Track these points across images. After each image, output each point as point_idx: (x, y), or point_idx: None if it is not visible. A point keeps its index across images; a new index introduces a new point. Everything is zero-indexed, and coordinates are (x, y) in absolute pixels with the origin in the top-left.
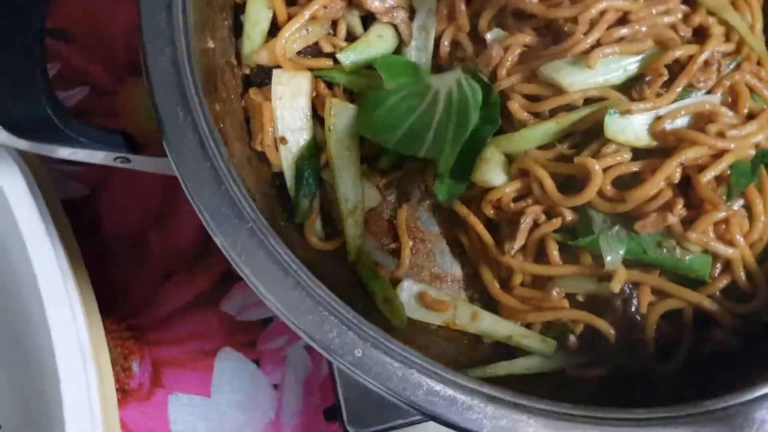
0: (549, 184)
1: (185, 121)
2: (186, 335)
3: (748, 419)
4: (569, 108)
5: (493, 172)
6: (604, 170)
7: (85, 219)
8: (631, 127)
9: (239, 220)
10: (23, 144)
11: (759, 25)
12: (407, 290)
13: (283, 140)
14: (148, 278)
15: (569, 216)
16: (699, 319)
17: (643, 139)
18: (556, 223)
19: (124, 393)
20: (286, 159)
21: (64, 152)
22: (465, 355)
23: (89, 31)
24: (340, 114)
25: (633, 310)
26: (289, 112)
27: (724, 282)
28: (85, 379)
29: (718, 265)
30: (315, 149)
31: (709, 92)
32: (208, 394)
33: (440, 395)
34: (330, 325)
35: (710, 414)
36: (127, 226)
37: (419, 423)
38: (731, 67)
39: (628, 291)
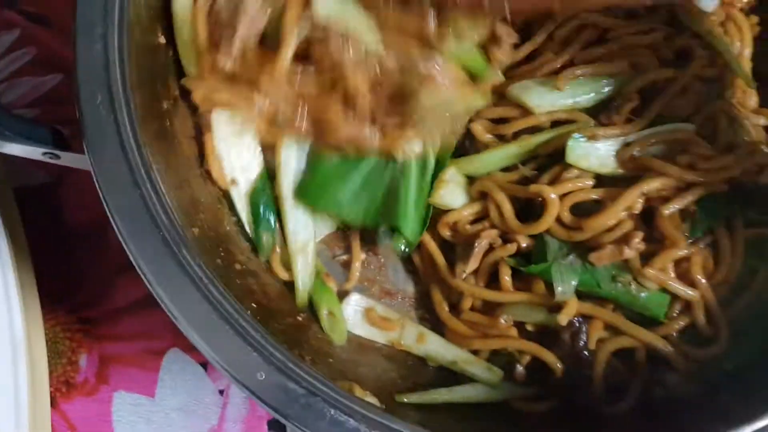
0: (507, 209)
1: (106, 121)
2: (135, 332)
3: None
4: (534, 130)
5: (452, 194)
6: (563, 196)
7: (45, 207)
8: (596, 152)
9: (154, 227)
10: None
11: (747, 52)
12: (354, 304)
13: (233, 182)
14: (104, 271)
15: (524, 242)
16: (652, 361)
17: (609, 166)
18: (511, 248)
19: (69, 386)
20: (239, 198)
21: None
22: (407, 378)
23: (67, 15)
24: (291, 157)
25: (582, 345)
26: (235, 150)
27: (681, 323)
28: (14, 377)
29: (677, 305)
30: (268, 178)
31: (686, 119)
32: (153, 395)
33: (344, 426)
34: (235, 345)
35: None
36: (87, 216)
37: None
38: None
39: (577, 325)
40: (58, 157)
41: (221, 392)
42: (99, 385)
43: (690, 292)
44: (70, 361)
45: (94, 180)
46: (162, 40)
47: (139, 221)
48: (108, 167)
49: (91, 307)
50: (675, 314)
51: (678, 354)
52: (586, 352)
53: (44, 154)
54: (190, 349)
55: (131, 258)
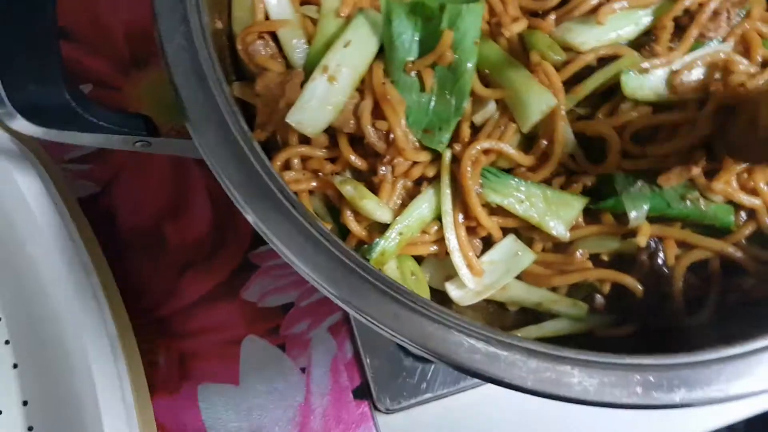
0: (576, 152)
1: (205, 97)
2: (209, 326)
3: None
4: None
5: None
6: (622, 129)
7: (97, 216)
8: (648, 83)
9: (267, 195)
10: (43, 132)
11: None
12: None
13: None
14: (167, 271)
15: (590, 181)
16: (726, 270)
17: (661, 94)
18: (578, 188)
19: (152, 387)
20: None
21: (83, 138)
22: (492, 323)
23: (89, 28)
24: None
25: (660, 263)
26: None
27: (749, 229)
28: (117, 375)
29: (743, 214)
30: None
31: (721, 42)
32: (237, 383)
33: (482, 352)
34: (367, 290)
35: (750, 354)
36: (140, 219)
37: (446, 397)
38: (741, 15)
39: (653, 245)
40: (149, 144)
41: (303, 370)
42: (181, 382)
43: (755, 201)
44: (150, 362)
45: (205, 158)
46: (219, 25)
47: (254, 189)
48: (214, 144)
49: (161, 308)
50: (741, 223)
51: (749, 257)
52: (665, 269)
53: (136, 143)
54: (265, 333)
55: (254, 226)
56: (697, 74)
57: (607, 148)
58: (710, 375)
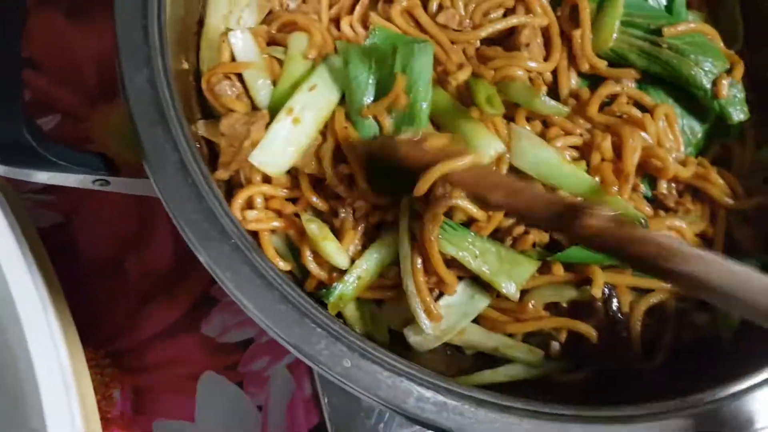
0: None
1: (164, 139)
2: (167, 360)
3: (738, 411)
4: None
5: None
6: None
7: (59, 246)
8: None
9: (222, 236)
10: (2, 170)
11: None
12: None
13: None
14: (126, 303)
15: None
16: (679, 310)
17: None
18: (530, 240)
19: (106, 421)
20: None
21: (43, 176)
22: (448, 366)
23: (58, 58)
24: None
25: (615, 309)
26: None
27: None
28: (68, 407)
29: None
30: None
31: None
32: (192, 419)
33: (431, 401)
34: (317, 336)
35: (699, 408)
36: (103, 251)
37: None
38: None
39: (607, 292)
40: (107, 183)
41: (260, 408)
42: (136, 416)
43: None
44: (104, 396)
45: (161, 198)
46: (185, 65)
47: (209, 230)
48: (172, 184)
49: (118, 340)
50: None
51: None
52: (620, 315)
53: (95, 181)
54: (224, 369)
55: (208, 269)
56: None
57: None
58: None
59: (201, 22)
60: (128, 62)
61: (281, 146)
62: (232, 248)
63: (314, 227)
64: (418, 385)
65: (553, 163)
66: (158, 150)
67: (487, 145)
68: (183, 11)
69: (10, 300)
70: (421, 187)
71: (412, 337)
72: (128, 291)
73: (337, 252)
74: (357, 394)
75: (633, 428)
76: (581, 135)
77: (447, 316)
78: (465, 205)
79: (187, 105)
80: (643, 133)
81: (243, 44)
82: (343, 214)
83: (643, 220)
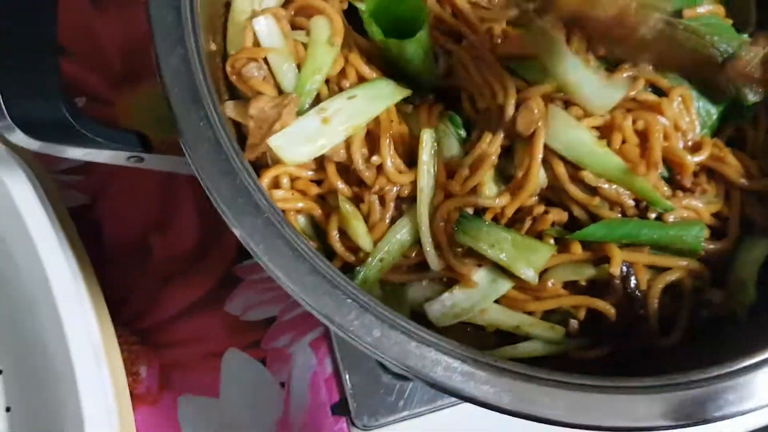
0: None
1: (199, 117)
2: (191, 337)
3: (751, 384)
4: None
5: None
6: None
7: (85, 227)
8: None
9: (256, 211)
10: (40, 146)
11: None
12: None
13: None
14: (151, 282)
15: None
16: (696, 288)
17: None
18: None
19: (133, 397)
20: None
21: (78, 153)
22: (471, 343)
23: (84, 44)
24: None
25: (632, 287)
26: None
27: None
28: (101, 382)
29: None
30: None
31: None
32: (217, 395)
33: (458, 371)
34: (348, 307)
35: (717, 379)
36: (128, 231)
37: (424, 415)
38: None
39: (625, 270)
40: (142, 159)
41: (282, 384)
42: (162, 392)
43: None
44: (131, 372)
45: (197, 174)
46: (213, 47)
47: (243, 205)
48: (207, 161)
49: (144, 318)
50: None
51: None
52: (638, 293)
53: (129, 158)
54: (247, 346)
55: (242, 242)
56: None
57: None
58: (682, 398)
59: (228, 5)
60: (162, 43)
61: (303, 139)
62: (265, 222)
63: (348, 207)
64: (445, 355)
65: (587, 144)
66: (193, 128)
67: None
68: None
69: (44, 278)
70: None
71: (433, 313)
72: (153, 271)
73: (364, 234)
74: (387, 363)
75: (653, 398)
76: (602, 115)
77: (468, 296)
78: (482, 202)
79: (216, 86)
80: (660, 117)
81: (267, 30)
82: (368, 199)
83: (667, 207)
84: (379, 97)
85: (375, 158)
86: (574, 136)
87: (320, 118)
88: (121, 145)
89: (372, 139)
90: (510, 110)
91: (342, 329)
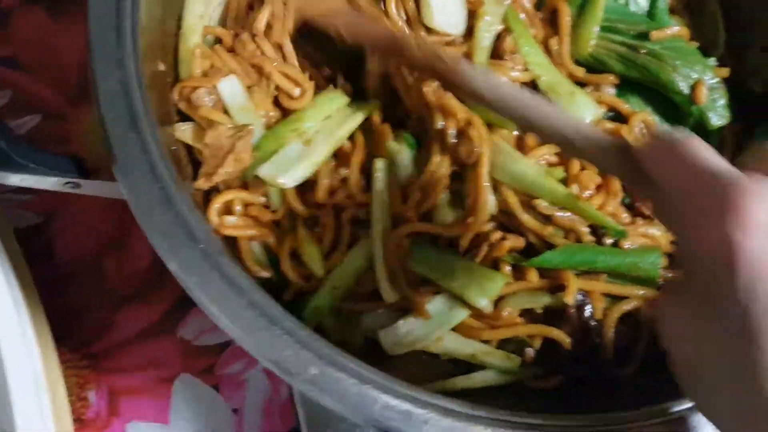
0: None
1: (134, 142)
2: (143, 362)
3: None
4: None
5: None
6: None
7: (36, 246)
8: None
9: (191, 242)
10: None
11: None
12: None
13: None
14: (104, 305)
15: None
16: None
17: None
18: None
19: (80, 423)
20: None
21: (14, 179)
22: (423, 371)
23: (41, 57)
24: None
25: (588, 315)
26: None
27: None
28: (40, 410)
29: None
30: None
31: None
32: (167, 421)
33: (395, 410)
34: (284, 343)
35: (668, 416)
36: (81, 252)
37: None
38: None
39: (581, 299)
40: (79, 186)
41: (235, 411)
42: (111, 418)
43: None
44: (79, 397)
45: (128, 201)
46: (162, 67)
47: (177, 235)
48: (140, 188)
49: (95, 342)
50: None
51: None
52: (593, 322)
53: (66, 184)
54: (200, 372)
55: (174, 274)
56: None
57: None
58: None
59: (179, 23)
60: (100, 64)
61: (293, 163)
62: (202, 253)
63: (303, 230)
64: (383, 393)
65: (530, 176)
66: (127, 154)
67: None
68: (160, 11)
69: None
70: None
71: (386, 340)
72: (106, 293)
73: (317, 259)
74: (323, 401)
75: None
76: None
77: (423, 325)
78: (435, 230)
79: (163, 108)
80: None
81: (231, 92)
82: (324, 222)
83: (620, 232)
84: (351, 116)
85: (344, 171)
86: (517, 169)
87: (302, 140)
88: (55, 171)
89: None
90: (450, 139)
91: (276, 366)
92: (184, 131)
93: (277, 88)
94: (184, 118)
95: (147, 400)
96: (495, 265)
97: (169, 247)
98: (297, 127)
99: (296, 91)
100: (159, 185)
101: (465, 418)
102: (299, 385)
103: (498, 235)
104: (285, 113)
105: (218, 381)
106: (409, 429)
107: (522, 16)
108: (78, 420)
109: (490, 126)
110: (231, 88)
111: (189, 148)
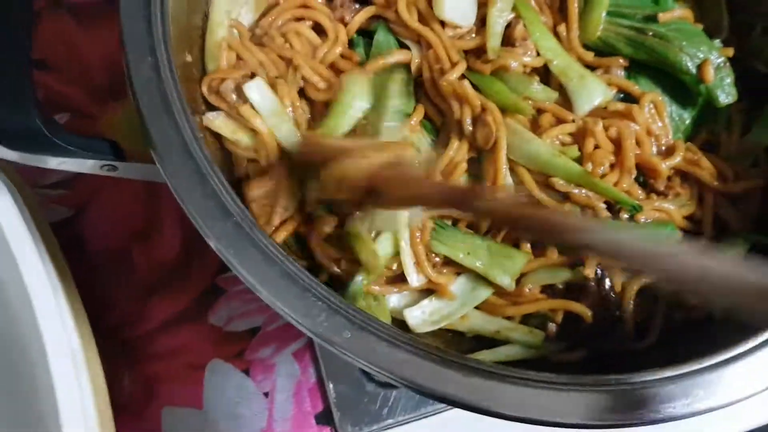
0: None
1: (168, 124)
2: (174, 349)
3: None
4: None
5: None
6: None
7: (68, 240)
8: None
9: (225, 216)
10: (13, 155)
11: None
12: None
13: None
14: (134, 294)
15: None
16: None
17: None
18: None
19: (116, 408)
20: None
21: (53, 162)
22: (450, 347)
23: (67, 59)
24: None
25: (607, 289)
26: None
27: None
28: (80, 393)
29: None
30: None
31: None
32: (200, 406)
33: (426, 369)
34: (318, 309)
35: (691, 374)
36: (110, 243)
37: (408, 423)
38: None
39: (599, 273)
40: (115, 168)
41: (266, 395)
42: (145, 404)
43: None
44: (114, 383)
45: (167, 181)
46: (189, 58)
47: (213, 209)
48: (177, 169)
49: (127, 329)
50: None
51: None
52: (613, 295)
53: (103, 167)
54: (231, 357)
55: (211, 245)
56: None
57: None
58: (654, 393)
59: (206, 17)
60: (133, 52)
61: None
62: (235, 226)
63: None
64: (414, 356)
65: (544, 156)
66: (163, 135)
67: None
68: (185, 4)
69: (24, 290)
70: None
71: (412, 319)
72: (136, 282)
73: (374, 251)
74: (356, 363)
75: (619, 394)
76: (574, 121)
77: (447, 306)
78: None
79: (191, 97)
80: (631, 124)
81: (260, 95)
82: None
83: (635, 206)
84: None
85: None
86: (531, 149)
87: None
88: (93, 153)
89: None
90: (466, 127)
91: (312, 331)
92: (212, 120)
93: (304, 78)
94: (211, 108)
95: (180, 385)
96: (516, 244)
97: (206, 220)
98: None
99: (322, 84)
100: (193, 164)
101: (489, 376)
102: (334, 349)
103: None
104: (311, 103)
105: (249, 365)
106: (437, 386)
107: (532, 2)
108: (113, 405)
109: (504, 111)
110: (259, 91)
111: (217, 136)
